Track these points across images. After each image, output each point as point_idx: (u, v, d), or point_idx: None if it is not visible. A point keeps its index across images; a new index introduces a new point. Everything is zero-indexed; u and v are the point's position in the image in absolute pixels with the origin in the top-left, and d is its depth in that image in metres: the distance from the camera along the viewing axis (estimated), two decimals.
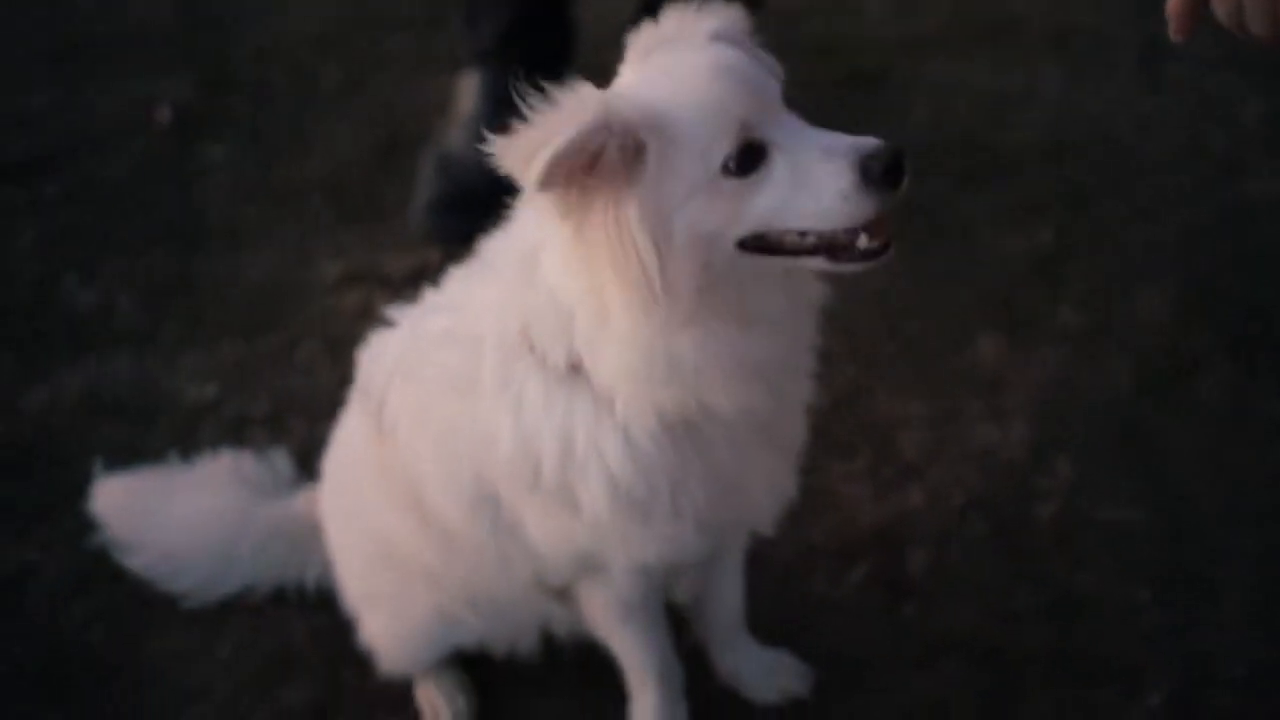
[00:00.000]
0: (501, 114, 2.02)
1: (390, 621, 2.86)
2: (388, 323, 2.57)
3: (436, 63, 4.23)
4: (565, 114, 1.99)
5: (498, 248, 2.30)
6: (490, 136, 1.99)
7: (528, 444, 2.28)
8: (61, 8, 4.89)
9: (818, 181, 2.02)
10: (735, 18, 2.19)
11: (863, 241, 2.08)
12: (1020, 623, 3.01)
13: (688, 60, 2.10)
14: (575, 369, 2.21)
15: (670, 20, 2.17)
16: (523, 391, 2.27)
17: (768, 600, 3.08)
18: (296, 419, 3.44)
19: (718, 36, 2.14)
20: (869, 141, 2.03)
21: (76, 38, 4.70)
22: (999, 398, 3.42)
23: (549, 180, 1.96)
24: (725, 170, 2.02)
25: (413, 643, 2.87)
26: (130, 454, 3.36)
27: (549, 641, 2.87)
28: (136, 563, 3.12)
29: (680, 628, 2.91)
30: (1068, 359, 3.50)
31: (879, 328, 3.60)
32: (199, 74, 4.48)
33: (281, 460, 3.25)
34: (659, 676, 2.77)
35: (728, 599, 2.87)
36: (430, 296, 2.50)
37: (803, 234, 2.07)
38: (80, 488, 3.21)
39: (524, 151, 1.96)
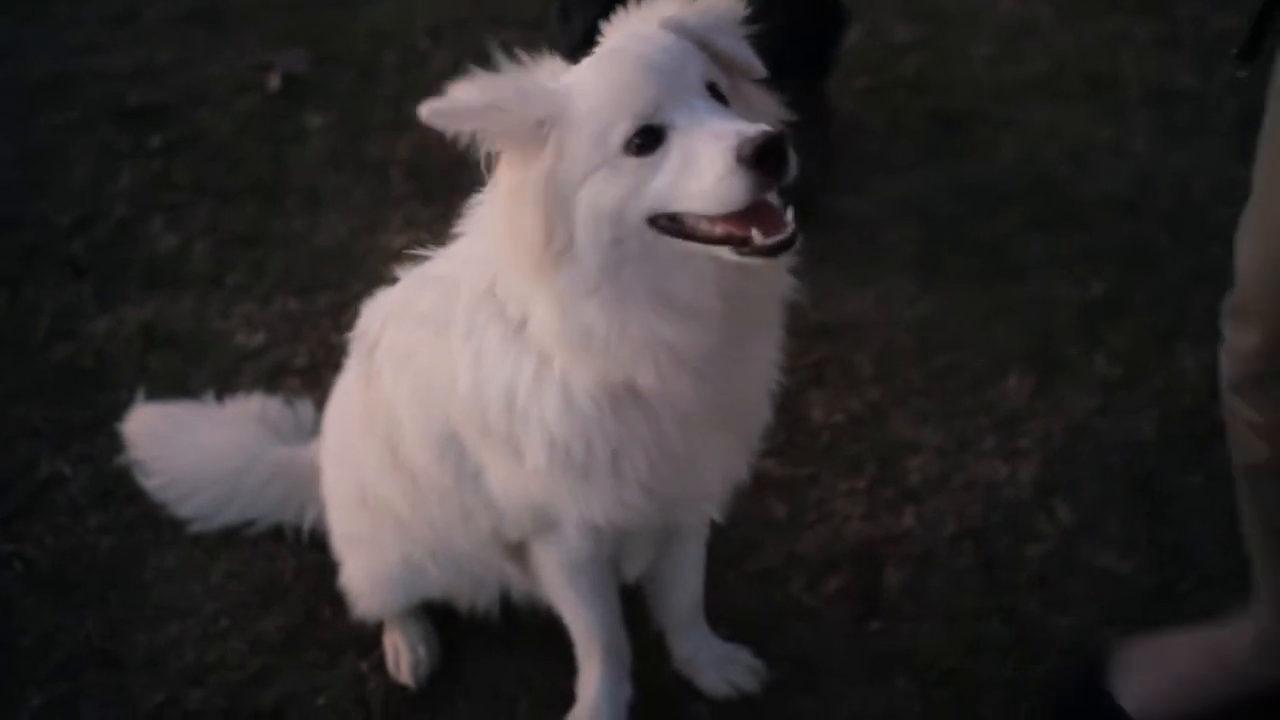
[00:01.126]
0: None
1: (364, 564, 2.98)
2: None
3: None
4: (503, 80, 2.14)
5: (485, 201, 2.38)
6: None
7: (480, 390, 2.37)
8: None
9: (701, 162, 2.07)
10: (707, 8, 2.25)
11: (758, 238, 2.11)
12: (984, 652, 3.02)
13: (610, 47, 2.21)
14: (524, 324, 2.30)
15: (632, 13, 2.27)
16: (483, 339, 2.35)
17: (741, 597, 3.15)
18: (331, 374, 3.55)
19: (669, 24, 2.21)
20: (753, 127, 2.07)
21: (210, 3, 4.92)
22: (1015, 436, 3.42)
23: (438, 119, 2.11)
24: (626, 150, 2.11)
25: (382, 587, 2.98)
26: (173, 387, 3.56)
27: (511, 603, 2.95)
28: (153, 484, 3.29)
29: (642, 616, 2.98)
30: (1093, 407, 3.49)
31: (910, 353, 3.63)
32: (313, 47, 4.67)
33: (306, 410, 3.40)
34: (604, 649, 2.84)
35: (686, 584, 2.92)
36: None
37: (711, 221, 2.12)
38: (120, 411, 3.39)
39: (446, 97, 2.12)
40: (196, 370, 3.66)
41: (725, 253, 2.14)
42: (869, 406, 3.51)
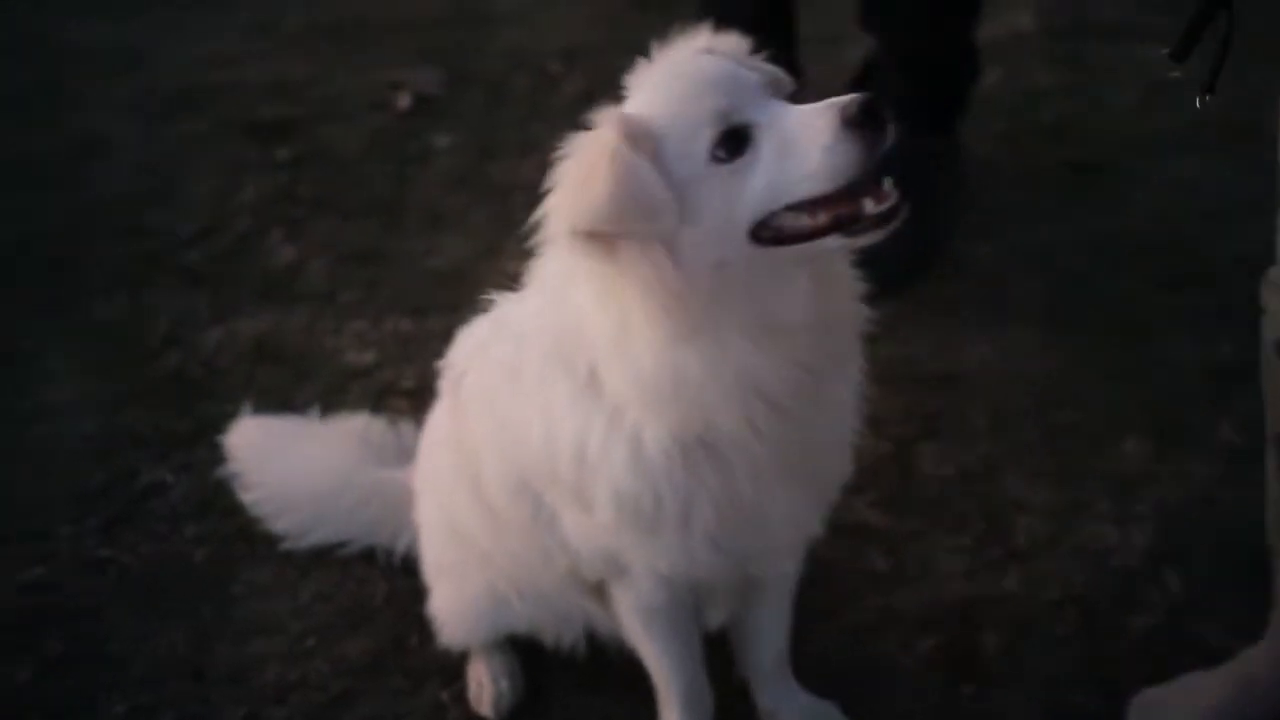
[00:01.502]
0: None
1: (451, 594, 2.95)
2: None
3: None
4: (591, 158, 2.04)
5: (546, 254, 2.33)
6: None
7: (550, 442, 2.33)
8: None
9: (802, 145, 2.02)
10: (728, 40, 2.22)
11: (869, 206, 2.07)
12: None
13: (661, 73, 2.16)
14: (594, 378, 2.25)
15: (668, 49, 2.23)
16: (551, 393, 2.31)
17: (833, 650, 3.06)
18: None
19: (704, 51, 2.18)
20: (843, 97, 2.02)
21: (348, 19, 4.96)
22: (1130, 502, 3.30)
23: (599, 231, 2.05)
24: (714, 159, 2.05)
25: (468, 618, 2.94)
26: (279, 401, 3.56)
27: (597, 640, 2.90)
28: (250, 498, 3.28)
29: (727, 663, 2.91)
30: (1213, 477, 3.35)
31: (1027, 410, 3.52)
32: (447, 66, 4.68)
33: (409, 433, 3.36)
34: (682, 696, 2.77)
35: (770, 635, 2.85)
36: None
37: (813, 214, 2.07)
38: (225, 423, 3.39)
39: (569, 209, 2.05)
40: (304, 386, 3.66)
41: (833, 241, 2.09)
42: (981, 461, 3.41)
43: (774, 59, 4.05)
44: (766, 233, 2.08)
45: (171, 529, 3.36)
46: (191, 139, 4.48)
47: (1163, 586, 3.13)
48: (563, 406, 2.30)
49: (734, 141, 2.05)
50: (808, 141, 2.02)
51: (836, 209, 2.07)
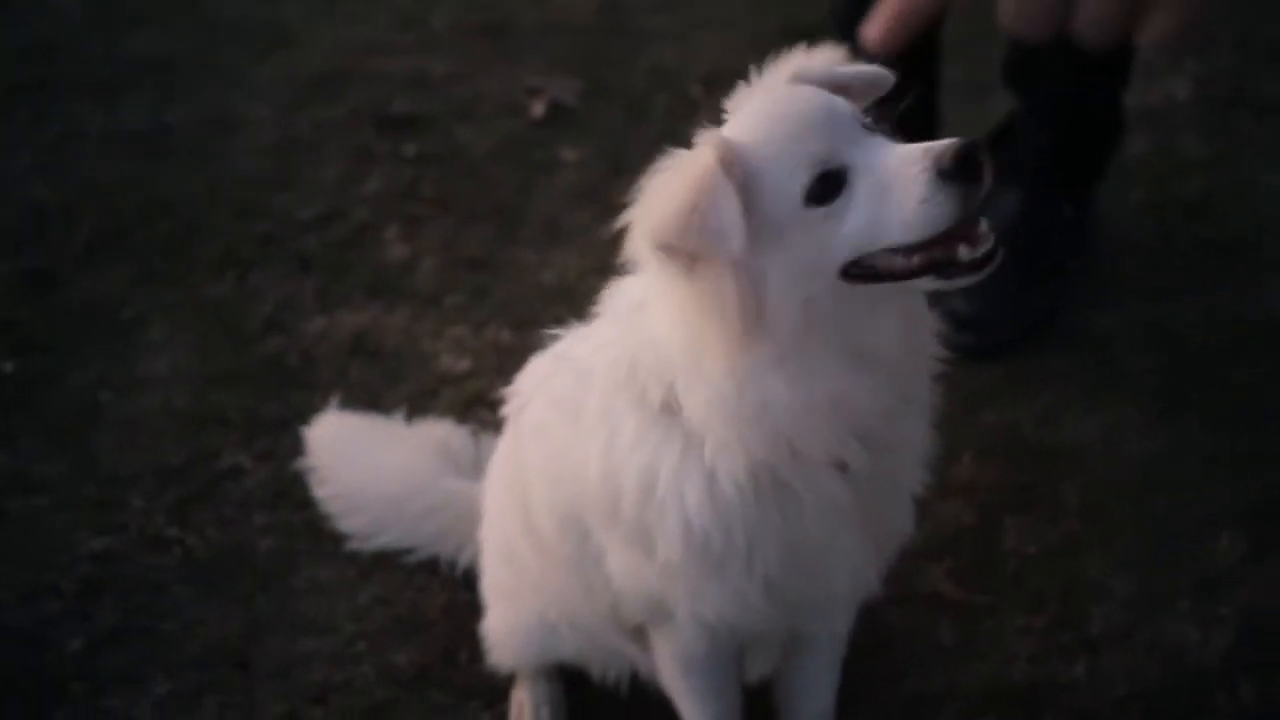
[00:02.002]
0: None
1: (503, 615, 2.91)
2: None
3: None
4: (682, 174, 2.01)
5: (619, 286, 2.32)
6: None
7: (612, 478, 2.28)
8: None
9: (896, 193, 1.97)
10: (822, 57, 2.16)
11: (964, 253, 2.01)
12: None
13: (758, 106, 2.10)
14: (669, 408, 2.20)
15: (764, 75, 2.18)
16: (618, 426, 2.27)
17: (890, 718, 2.98)
18: None
19: (797, 78, 2.12)
20: (941, 142, 1.97)
21: (496, 20, 4.93)
22: (1214, 602, 3.16)
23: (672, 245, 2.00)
24: (808, 202, 2.00)
25: (517, 641, 2.90)
26: (368, 399, 3.55)
27: (640, 679, 2.84)
28: (322, 493, 3.27)
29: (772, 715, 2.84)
30: None
31: (1124, 491, 3.39)
32: (587, 77, 4.63)
33: (490, 446, 3.32)
34: None
35: (815, 696, 2.78)
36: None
37: (908, 255, 2.02)
38: (311, 414, 3.39)
39: (646, 220, 2.01)
40: (395, 386, 3.65)
41: (927, 283, 2.05)
42: (1066, 540, 3.29)
43: (915, 101, 3.98)
44: (858, 270, 2.03)
45: (242, 515, 3.36)
46: (324, 125, 4.48)
47: (1235, 696, 3.00)
48: (630, 441, 2.25)
49: (829, 184, 2.00)
50: (902, 190, 1.97)
51: (931, 252, 2.01)
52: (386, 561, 3.24)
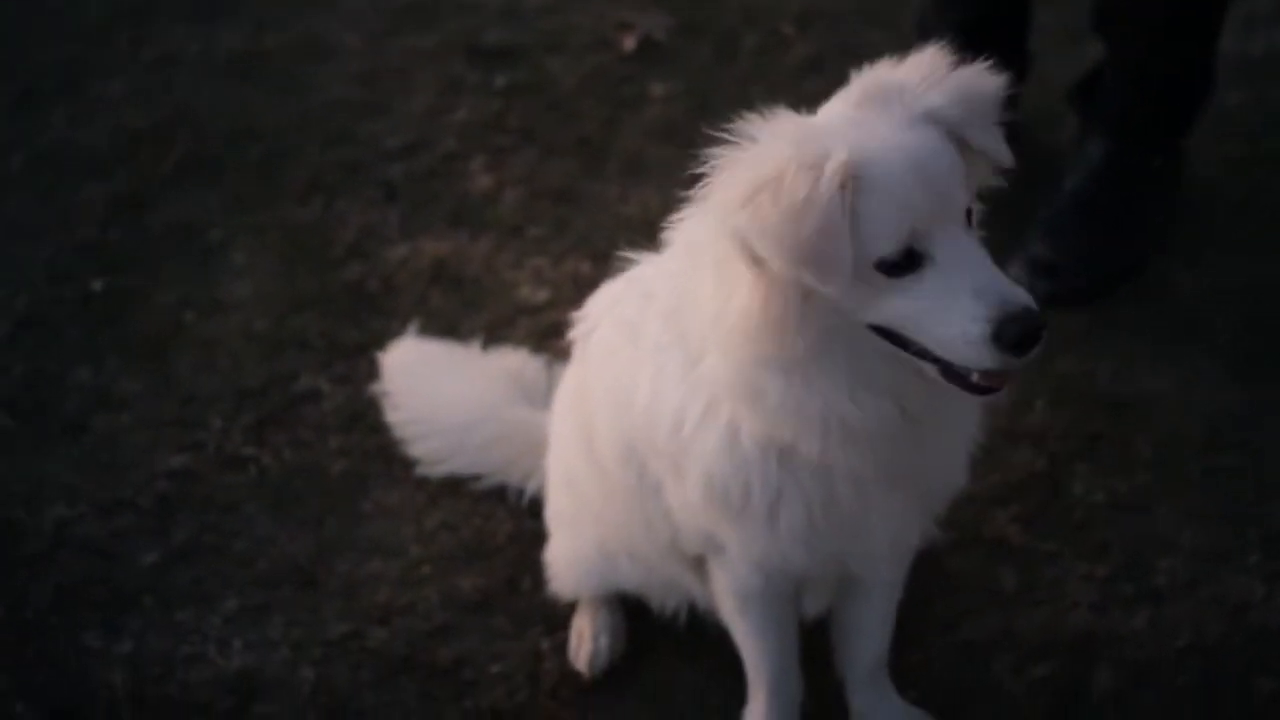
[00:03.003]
0: None
1: (566, 544, 2.97)
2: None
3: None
4: (805, 190, 1.97)
5: (685, 219, 2.31)
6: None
7: (653, 409, 2.34)
8: None
9: (955, 315, 2.01)
10: (967, 93, 2.13)
11: (974, 377, 2.07)
12: None
13: (891, 139, 2.06)
14: (700, 360, 2.25)
15: (904, 69, 2.16)
16: (665, 360, 2.31)
17: (942, 664, 3.00)
18: None
19: (933, 116, 2.09)
20: (1019, 298, 2.01)
21: None
22: None
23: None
24: (879, 265, 2.01)
25: (578, 569, 2.96)
26: (447, 327, 3.61)
27: (697, 611, 2.88)
28: (396, 418, 3.33)
29: (826, 658, 2.86)
30: None
31: (1197, 445, 3.36)
32: (679, 14, 4.61)
33: (561, 377, 3.37)
34: (770, 684, 2.74)
35: (869, 637, 2.79)
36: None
37: None
38: (389, 340, 3.45)
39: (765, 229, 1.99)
40: (473, 314, 3.69)
41: (931, 370, 2.10)
42: (1135, 492, 3.27)
43: (1003, 44, 3.94)
44: (887, 331, 2.09)
45: (317, 438, 3.42)
46: (415, 54, 4.51)
47: None
48: (672, 375, 2.30)
49: (908, 260, 2.03)
50: (961, 317, 2.01)
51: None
52: (455, 488, 3.29)
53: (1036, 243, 3.68)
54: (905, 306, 2.03)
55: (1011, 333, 1.98)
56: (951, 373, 2.08)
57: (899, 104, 2.10)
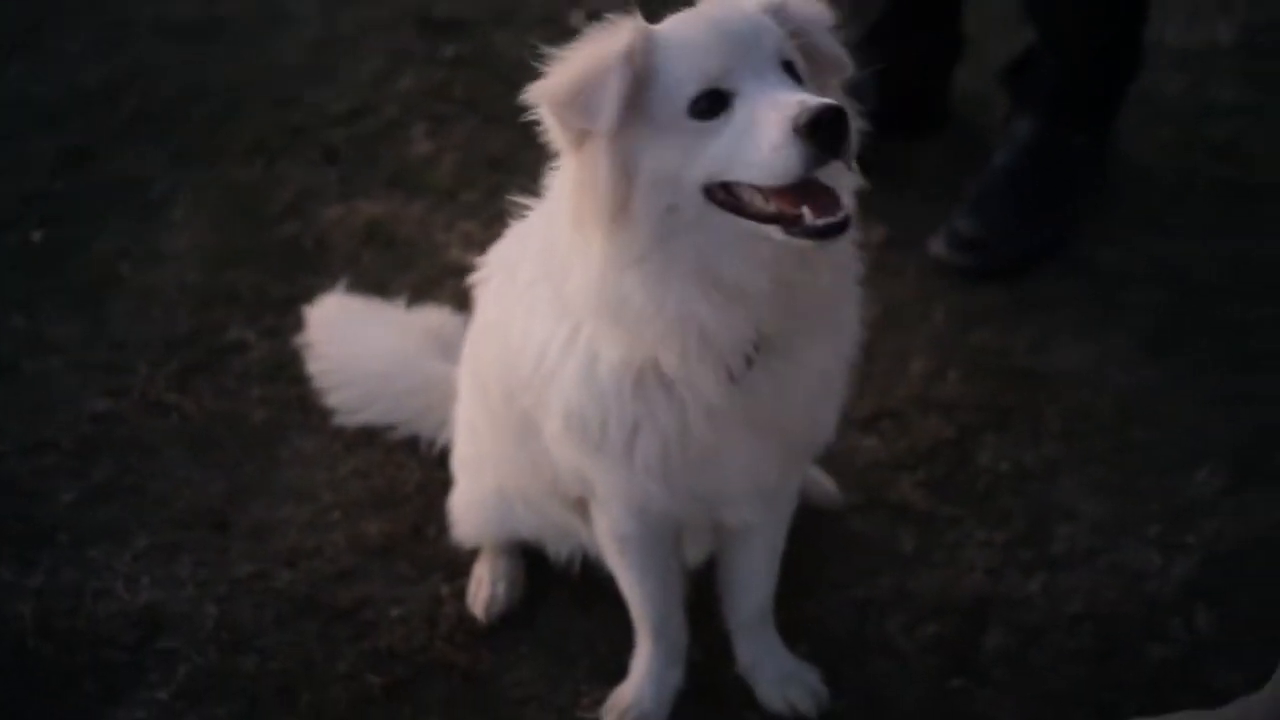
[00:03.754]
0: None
1: (466, 490, 3.03)
2: None
3: None
4: (600, 45, 2.15)
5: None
6: None
7: (522, 344, 2.40)
8: None
9: (759, 132, 2.05)
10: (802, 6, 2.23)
11: (809, 216, 2.08)
12: None
13: (696, 11, 2.20)
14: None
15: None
16: (536, 294, 2.38)
17: (835, 620, 3.05)
18: None
19: (768, 7, 2.19)
20: (816, 99, 2.04)
21: None
22: (1183, 530, 3.18)
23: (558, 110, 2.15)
24: (690, 112, 2.07)
25: (476, 515, 3.02)
26: (376, 284, 3.67)
27: (590, 560, 2.94)
28: (317, 368, 3.39)
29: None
30: (1276, 522, 3.21)
31: (1107, 420, 3.41)
32: None
33: None
34: (654, 628, 2.80)
35: (751, 588, 2.83)
36: None
37: (765, 197, 2.10)
38: (319, 296, 3.50)
39: (545, 80, 2.16)
40: (402, 274, 3.75)
41: (774, 232, 2.11)
42: (1042, 463, 3.33)
43: (937, 25, 3.98)
44: (721, 195, 2.12)
45: (240, 387, 3.49)
46: (367, 24, 4.57)
47: (1191, 622, 3.03)
48: (540, 310, 2.36)
49: (714, 102, 2.09)
50: (763, 132, 2.05)
51: (782, 203, 2.09)
52: (370, 438, 3.35)
53: (962, 217, 3.74)
54: (720, 146, 2.08)
55: (805, 119, 2.00)
56: (792, 226, 2.09)
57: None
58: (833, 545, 3.15)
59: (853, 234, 2.16)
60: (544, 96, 2.15)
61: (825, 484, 3.20)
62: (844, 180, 2.20)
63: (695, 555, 2.82)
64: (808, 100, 2.03)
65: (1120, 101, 3.88)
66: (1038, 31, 3.82)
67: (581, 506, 2.69)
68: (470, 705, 2.90)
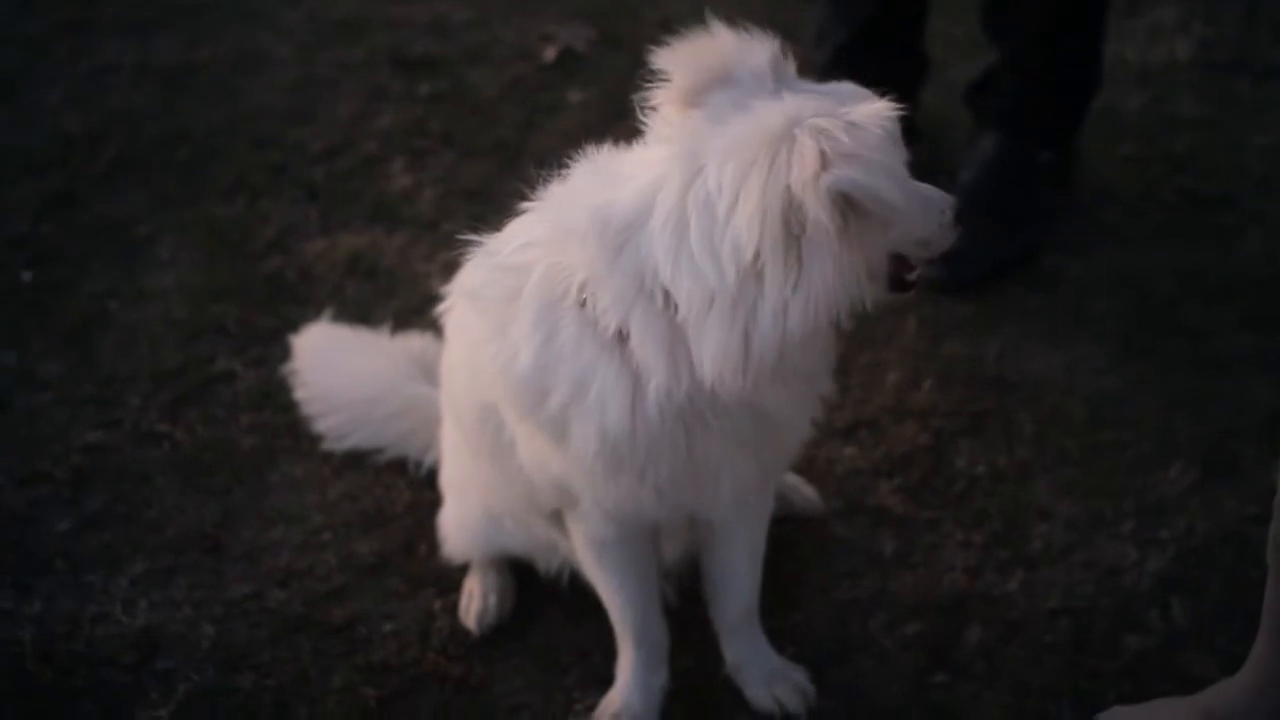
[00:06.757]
0: None
1: (455, 509, 3.09)
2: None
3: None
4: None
5: (573, 199, 2.48)
6: None
7: (543, 374, 2.37)
8: None
9: None
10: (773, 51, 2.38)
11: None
12: None
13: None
14: (621, 338, 2.31)
15: (725, 43, 2.39)
16: (556, 328, 2.35)
17: (820, 621, 3.11)
18: None
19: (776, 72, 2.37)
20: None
21: None
22: (1156, 525, 3.26)
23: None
24: None
25: (466, 533, 3.08)
26: (359, 314, 3.74)
27: (579, 575, 2.99)
28: (304, 395, 3.46)
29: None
30: (1247, 515, 3.27)
31: (1078, 423, 3.50)
32: (601, 26, 4.78)
33: None
34: (634, 634, 2.86)
35: (735, 588, 2.89)
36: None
37: None
38: (303, 326, 3.58)
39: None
40: (385, 303, 3.82)
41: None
42: (1016, 465, 3.41)
43: (900, 46, 4.09)
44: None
45: (229, 415, 3.55)
46: (344, 66, 4.67)
47: (1166, 613, 3.10)
48: (566, 344, 2.35)
49: None
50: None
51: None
52: (358, 461, 3.42)
53: None
54: None
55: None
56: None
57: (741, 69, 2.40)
58: (815, 551, 3.22)
59: None
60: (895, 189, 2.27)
61: (807, 492, 3.28)
62: None
63: (672, 552, 2.89)
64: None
65: (1082, 117, 3.99)
66: (997, 48, 3.92)
67: (557, 518, 2.76)
68: (464, 714, 2.95)
